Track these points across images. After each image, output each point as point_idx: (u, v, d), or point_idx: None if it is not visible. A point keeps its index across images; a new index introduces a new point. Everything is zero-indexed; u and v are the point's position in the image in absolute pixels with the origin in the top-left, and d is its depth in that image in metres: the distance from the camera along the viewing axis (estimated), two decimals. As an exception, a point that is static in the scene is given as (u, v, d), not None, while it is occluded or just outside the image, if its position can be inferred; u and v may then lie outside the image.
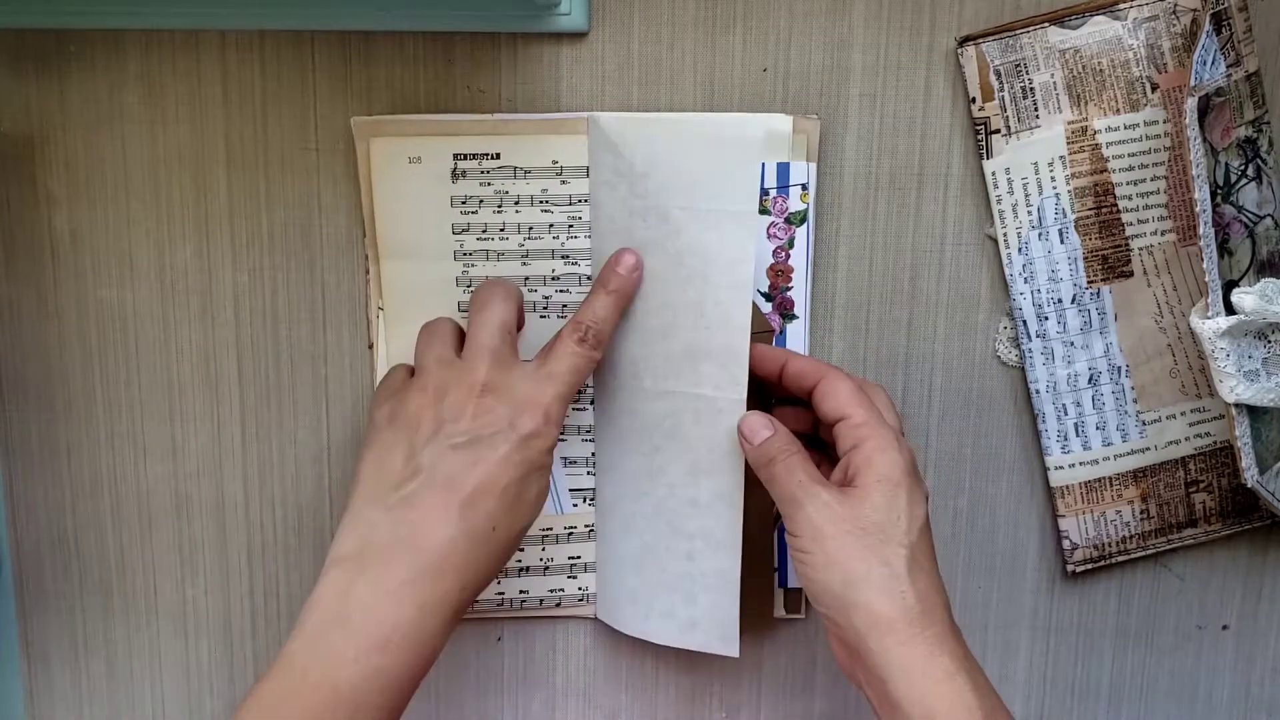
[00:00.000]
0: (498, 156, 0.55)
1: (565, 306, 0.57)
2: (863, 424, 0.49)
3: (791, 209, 0.55)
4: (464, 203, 0.56)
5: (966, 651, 0.47)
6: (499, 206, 0.56)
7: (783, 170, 0.55)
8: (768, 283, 0.56)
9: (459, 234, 0.56)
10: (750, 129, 0.53)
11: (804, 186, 0.55)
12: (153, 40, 0.56)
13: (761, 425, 0.51)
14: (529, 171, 0.55)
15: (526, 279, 0.56)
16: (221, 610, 0.61)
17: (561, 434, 0.53)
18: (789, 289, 0.56)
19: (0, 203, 0.58)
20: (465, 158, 0.55)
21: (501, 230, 0.56)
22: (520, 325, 0.54)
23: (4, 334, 0.59)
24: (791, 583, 0.58)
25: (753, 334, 0.53)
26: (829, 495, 0.48)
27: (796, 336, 0.56)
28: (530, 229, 0.56)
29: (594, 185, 0.55)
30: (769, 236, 0.55)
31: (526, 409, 0.49)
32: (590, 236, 0.56)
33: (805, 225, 0.55)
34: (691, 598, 0.56)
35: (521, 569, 0.59)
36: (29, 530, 0.61)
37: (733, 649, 0.56)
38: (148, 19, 0.55)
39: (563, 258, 0.56)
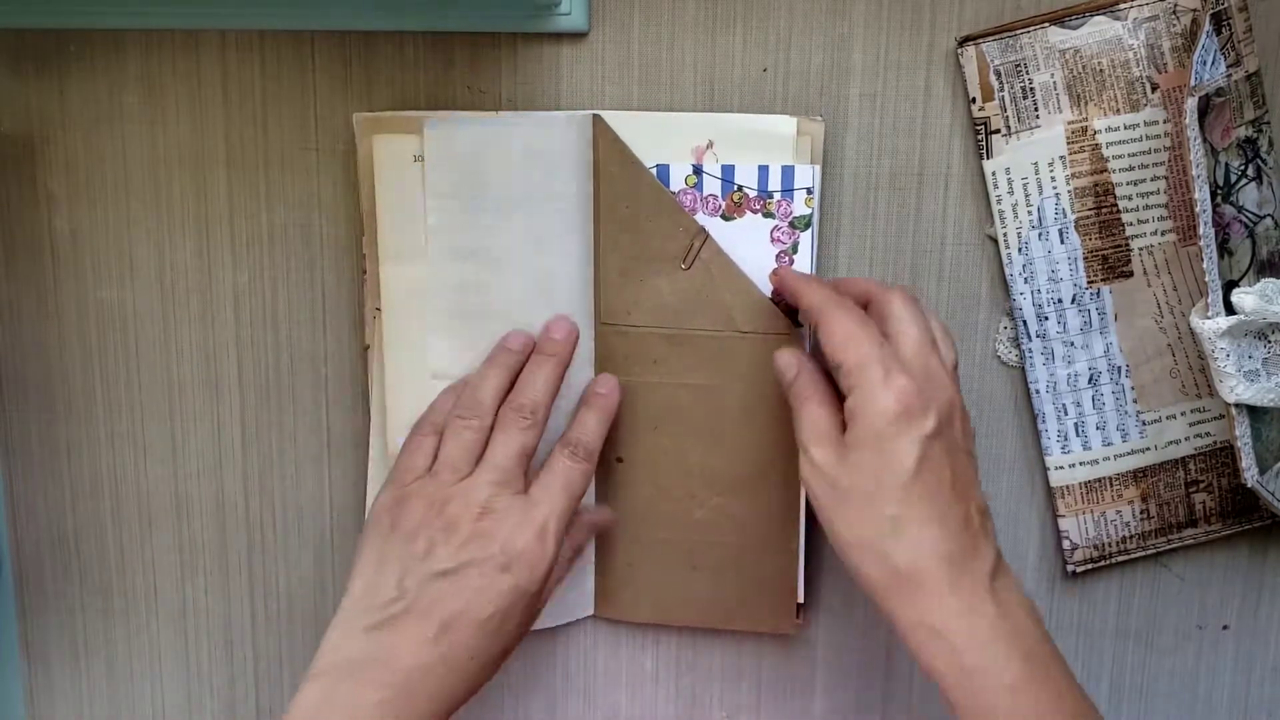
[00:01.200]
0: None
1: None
2: (851, 370, 0.47)
3: (796, 213, 0.55)
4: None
5: (973, 593, 0.45)
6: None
7: (787, 173, 0.55)
8: (770, 289, 0.56)
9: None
10: (755, 129, 0.54)
11: (809, 190, 0.55)
12: (153, 40, 0.56)
13: (789, 364, 0.51)
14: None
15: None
16: (221, 610, 0.61)
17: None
18: None
19: (0, 203, 0.58)
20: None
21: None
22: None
23: (4, 334, 0.59)
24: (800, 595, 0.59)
25: (777, 334, 0.55)
26: (819, 454, 0.47)
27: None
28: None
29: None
30: (772, 240, 0.55)
31: (521, 532, 0.49)
32: (592, 234, 0.56)
33: (810, 230, 0.55)
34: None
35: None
36: (29, 530, 0.61)
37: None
38: (148, 19, 0.55)
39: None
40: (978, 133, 0.55)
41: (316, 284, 0.58)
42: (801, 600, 0.58)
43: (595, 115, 0.54)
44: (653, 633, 0.60)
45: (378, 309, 0.57)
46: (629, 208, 0.55)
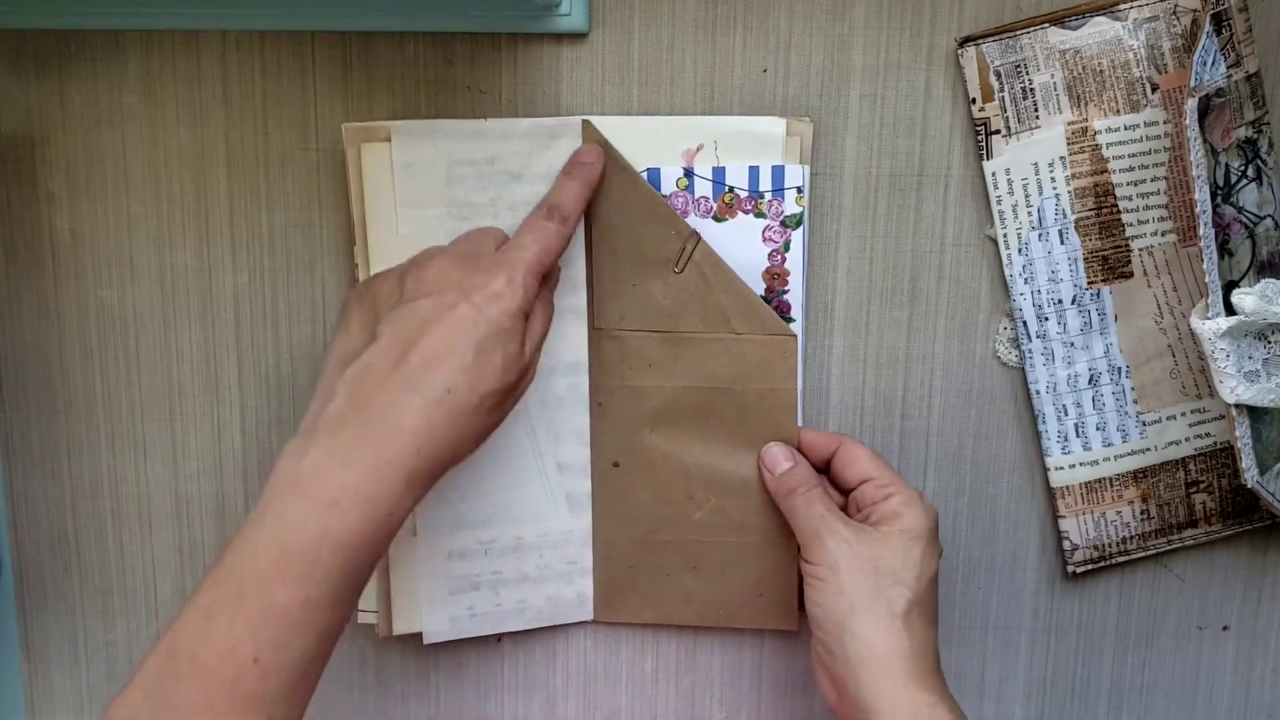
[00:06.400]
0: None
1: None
2: (889, 483, 0.53)
3: (787, 212, 0.55)
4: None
5: (948, 692, 0.50)
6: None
7: (777, 173, 0.55)
8: (764, 286, 0.56)
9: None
10: (744, 131, 0.54)
11: (799, 189, 0.55)
12: (153, 40, 0.56)
13: (782, 457, 0.56)
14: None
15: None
16: (221, 610, 0.61)
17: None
18: (785, 292, 0.56)
19: (0, 203, 0.58)
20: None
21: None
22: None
23: (4, 334, 0.59)
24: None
25: (772, 335, 0.55)
26: (848, 531, 0.52)
27: (796, 337, 0.57)
28: None
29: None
30: (764, 240, 0.55)
31: (491, 272, 0.48)
32: (584, 239, 0.56)
33: (801, 229, 0.55)
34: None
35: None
36: (29, 530, 0.61)
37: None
38: (148, 19, 0.55)
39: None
40: (978, 133, 0.55)
41: (316, 284, 0.58)
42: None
43: (585, 121, 0.54)
44: (653, 633, 0.60)
45: None
46: (620, 212, 0.55)
